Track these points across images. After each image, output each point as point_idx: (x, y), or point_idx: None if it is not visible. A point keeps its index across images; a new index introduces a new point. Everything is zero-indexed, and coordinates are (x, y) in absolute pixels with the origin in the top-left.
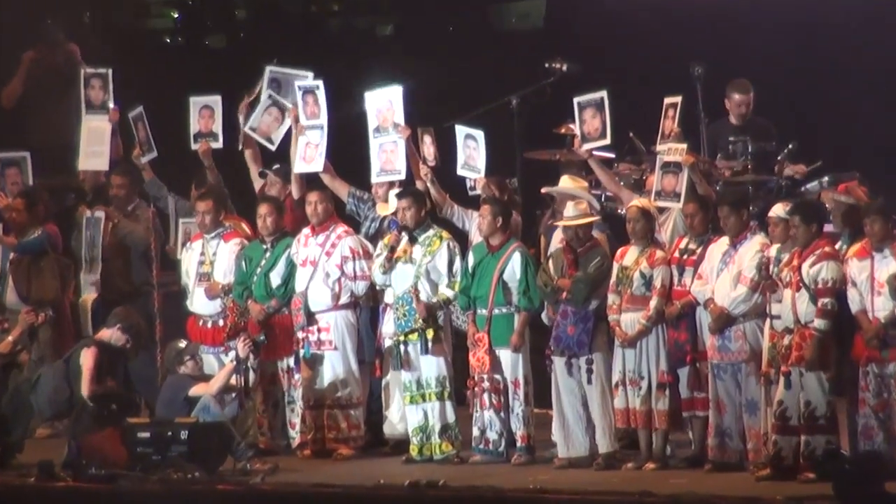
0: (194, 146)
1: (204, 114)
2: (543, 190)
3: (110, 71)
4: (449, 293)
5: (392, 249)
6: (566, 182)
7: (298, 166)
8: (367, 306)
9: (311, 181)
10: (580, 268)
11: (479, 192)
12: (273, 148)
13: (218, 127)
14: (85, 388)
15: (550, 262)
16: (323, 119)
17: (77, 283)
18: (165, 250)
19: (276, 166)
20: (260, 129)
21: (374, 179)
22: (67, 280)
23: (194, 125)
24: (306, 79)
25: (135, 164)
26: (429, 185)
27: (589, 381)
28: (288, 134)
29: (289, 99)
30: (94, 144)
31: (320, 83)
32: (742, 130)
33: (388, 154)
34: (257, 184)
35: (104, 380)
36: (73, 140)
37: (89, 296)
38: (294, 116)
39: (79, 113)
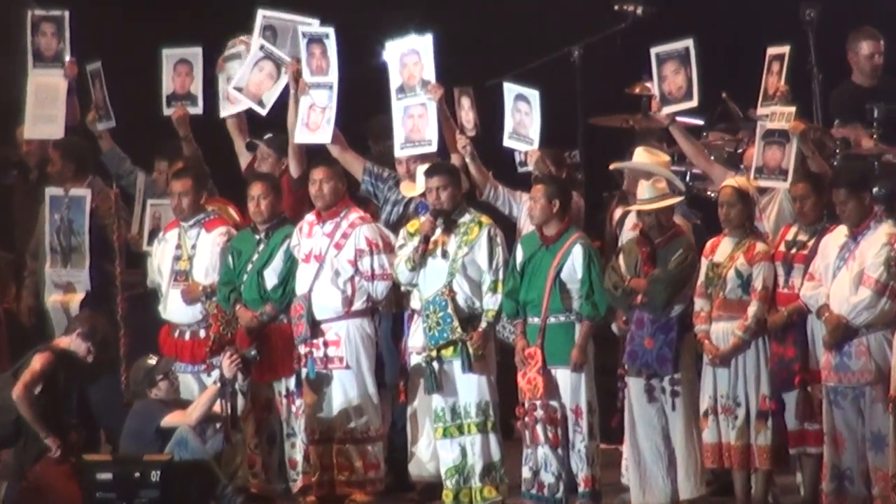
0: (167, 111)
1: (180, 70)
2: (612, 166)
3: (66, 14)
4: (496, 306)
5: (426, 240)
6: (641, 156)
7: (300, 135)
8: (389, 313)
9: (315, 154)
10: (658, 264)
11: (530, 168)
12: (264, 112)
13: (197, 88)
14: (17, 389)
15: (621, 257)
16: (333, 76)
17: (19, 283)
18: (128, 240)
19: (267, 136)
20: (248, 88)
21: (398, 152)
22: (6, 278)
23: (168, 85)
24: (311, 26)
25: (89, 132)
26: (467, 159)
27: (673, 408)
28: (283, 96)
29: (286, 51)
30: (44, 107)
31: (331, 31)
32: (871, 93)
33: (414, 120)
34: (244, 159)
35: (52, 394)
36: (12, 100)
37: (65, 296)
38: (294, 72)
39: (22, 66)
